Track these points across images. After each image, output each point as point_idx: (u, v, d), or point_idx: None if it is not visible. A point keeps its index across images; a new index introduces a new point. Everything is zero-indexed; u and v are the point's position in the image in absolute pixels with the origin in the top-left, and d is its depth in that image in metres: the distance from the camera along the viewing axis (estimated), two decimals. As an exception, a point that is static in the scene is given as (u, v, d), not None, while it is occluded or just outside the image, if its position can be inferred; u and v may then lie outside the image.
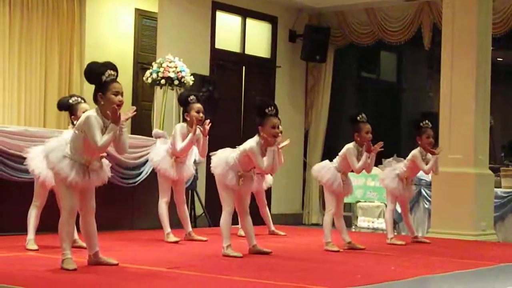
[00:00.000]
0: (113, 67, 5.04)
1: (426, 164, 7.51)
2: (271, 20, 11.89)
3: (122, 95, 5.01)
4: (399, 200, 7.70)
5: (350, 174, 6.98)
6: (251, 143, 6.02)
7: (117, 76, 5.07)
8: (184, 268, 5.14)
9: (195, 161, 7.88)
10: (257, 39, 11.71)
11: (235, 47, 11.38)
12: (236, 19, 11.42)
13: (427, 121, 7.62)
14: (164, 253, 6.21)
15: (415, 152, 7.53)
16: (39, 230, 6.27)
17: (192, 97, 7.25)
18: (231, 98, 10.97)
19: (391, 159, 7.92)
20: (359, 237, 8.63)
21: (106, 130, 4.90)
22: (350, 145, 6.81)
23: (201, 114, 7.14)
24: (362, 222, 10.31)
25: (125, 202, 8.40)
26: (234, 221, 6.32)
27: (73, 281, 4.57)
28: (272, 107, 6.03)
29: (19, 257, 5.63)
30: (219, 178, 6.11)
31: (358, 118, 6.82)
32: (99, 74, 4.96)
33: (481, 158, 9.03)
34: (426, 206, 9.49)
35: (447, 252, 6.97)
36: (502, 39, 10.62)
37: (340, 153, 6.88)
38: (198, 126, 7.02)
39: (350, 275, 5.05)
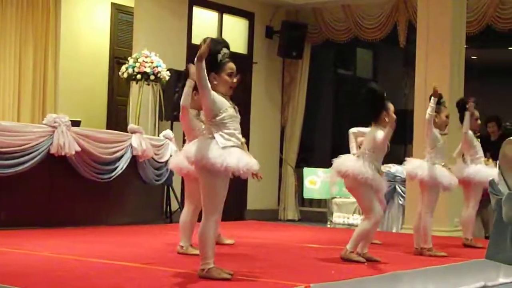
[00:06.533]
0: (227, 44, 4.70)
1: None
2: (248, 16, 11.90)
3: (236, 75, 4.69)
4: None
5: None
6: (379, 133, 5.69)
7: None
8: (158, 264, 5.13)
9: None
10: (234, 35, 11.71)
11: (211, 43, 11.36)
12: (213, 15, 11.41)
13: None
14: (138, 249, 6.20)
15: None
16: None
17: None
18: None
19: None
20: (335, 233, 8.69)
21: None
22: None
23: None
24: (337, 218, 10.36)
25: (100, 197, 8.36)
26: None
27: (46, 276, 4.54)
28: None
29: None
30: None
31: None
32: (215, 53, 4.60)
33: (454, 155, 9.10)
34: (401, 202, 9.56)
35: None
36: (476, 37, 10.72)
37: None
38: None
39: (324, 271, 5.09)
